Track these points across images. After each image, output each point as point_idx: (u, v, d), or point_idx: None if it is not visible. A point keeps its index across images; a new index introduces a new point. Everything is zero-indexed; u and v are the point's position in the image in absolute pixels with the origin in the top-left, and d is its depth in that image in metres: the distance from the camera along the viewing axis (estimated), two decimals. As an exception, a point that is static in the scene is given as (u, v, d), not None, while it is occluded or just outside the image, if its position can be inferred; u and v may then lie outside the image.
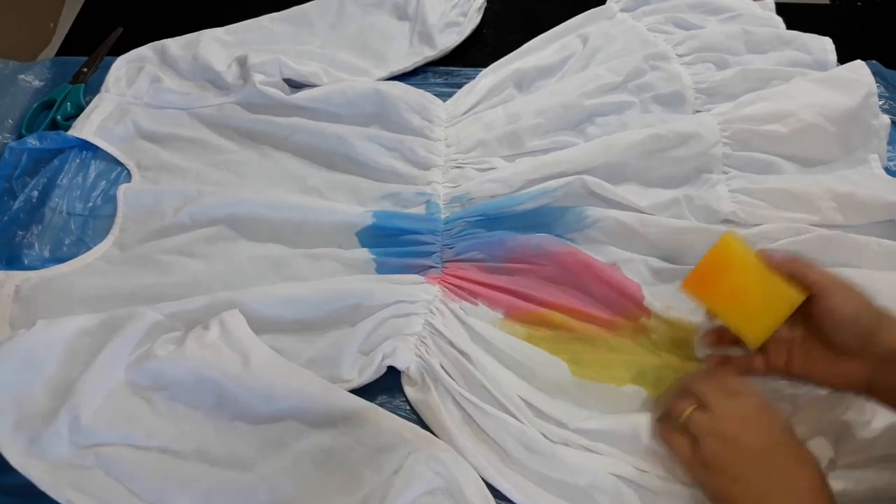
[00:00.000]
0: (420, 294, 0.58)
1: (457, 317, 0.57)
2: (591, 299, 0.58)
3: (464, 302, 0.59)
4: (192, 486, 0.48)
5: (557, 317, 0.57)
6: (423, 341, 0.56)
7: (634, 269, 0.60)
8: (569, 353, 0.56)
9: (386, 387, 0.56)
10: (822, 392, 0.51)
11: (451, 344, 0.55)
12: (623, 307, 0.58)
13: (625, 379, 0.54)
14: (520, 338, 0.57)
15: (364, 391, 0.54)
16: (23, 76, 0.77)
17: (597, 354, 0.56)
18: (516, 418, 0.52)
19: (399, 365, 0.55)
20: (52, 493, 0.47)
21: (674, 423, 0.47)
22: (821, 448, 0.49)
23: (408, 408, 0.55)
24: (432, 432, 0.52)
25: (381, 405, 0.53)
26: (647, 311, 0.57)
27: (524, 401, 0.53)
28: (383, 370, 0.55)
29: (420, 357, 0.55)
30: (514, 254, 0.60)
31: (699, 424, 0.46)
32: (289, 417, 0.51)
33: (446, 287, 0.60)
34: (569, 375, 0.55)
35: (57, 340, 0.52)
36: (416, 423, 0.52)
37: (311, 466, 0.50)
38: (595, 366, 0.55)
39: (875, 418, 0.50)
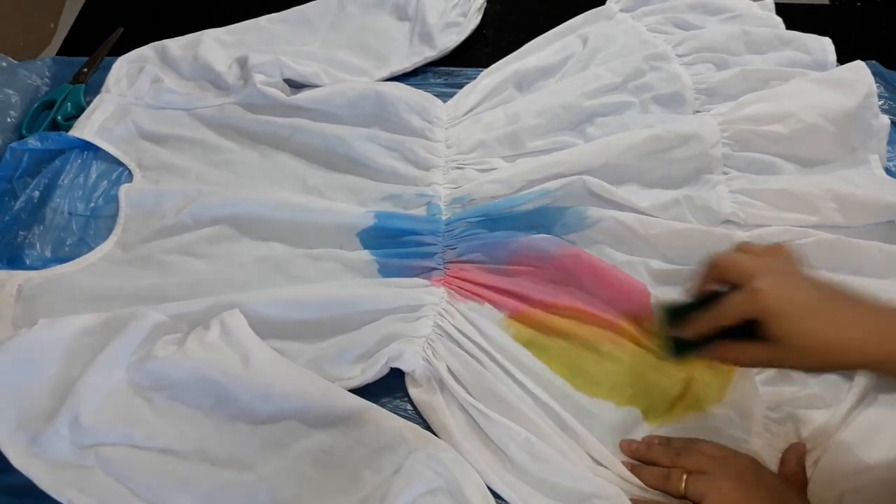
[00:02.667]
0: (426, 298, 0.58)
1: (466, 318, 0.57)
2: (594, 301, 0.58)
3: (471, 302, 0.59)
4: (192, 486, 0.48)
5: (560, 321, 0.57)
6: (430, 344, 0.56)
7: (634, 270, 0.60)
8: (571, 362, 0.56)
9: (387, 387, 0.55)
10: (826, 411, 0.51)
11: (461, 346, 0.55)
12: (628, 308, 0.57)
13: (624, 395, 0.54)
14: (524, 341, 0.56)
15: (365, 391, 0.54)
16: (24, 72, 0.77)
17: (599, 365, 0.56)
18: (527, 418, 0.52)
19: (405, 367, 0.55)
20: (53, 493, 0.47)
21: (673, 490, 0.48)
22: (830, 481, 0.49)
23: (409, 408, 0.55)
24: (435, 434, 0.52)
25: (382, 405, 0.53)
26: (650, 314, 0.57)
27: (535, 400, 0.53)
28: (386, 370, 0.55)
29: (427, 360, 0.55)
30: (517, 256, 0.60)
31: (699, 486, 0.46)
32: (289, 417, 0.51)
33: (451, 289, 0.60)
34: (570, 390, 0.54)
35: (58, 340, 0.52)
36: (418, 424, 0.52)
37: (312, 466, 0.50)
38: (596, 377, 0.55)
39: (877, 438, 0.49)
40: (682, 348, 0.49)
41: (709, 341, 0.47)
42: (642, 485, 0.50)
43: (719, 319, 0.45)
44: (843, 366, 0.45)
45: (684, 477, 0.47)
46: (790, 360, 0.45)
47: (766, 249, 0.49)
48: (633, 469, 0.50)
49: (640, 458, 0.51)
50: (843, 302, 0.44)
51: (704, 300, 0.47)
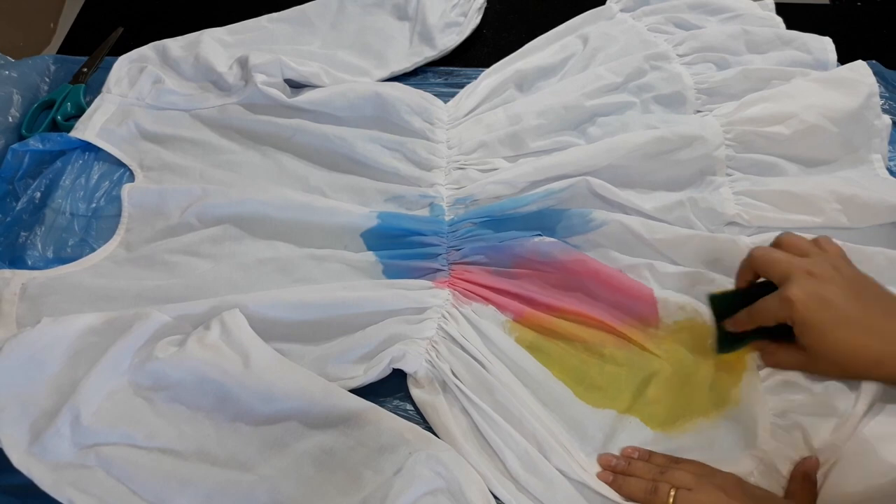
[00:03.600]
0: (430, 300, 0.58)
1: (469, 321, 0.57)
2: (598, 306, 0.58)
3: (475, 304, 0.59)
4: (192, 486, 0.48)
5: (564, 324, 0.57)
6: (434, 346, 0.56)
7: (639, 274, 0.59)
8: (573, 367, 0.56)
9: (388, 387, 0.55)
10: (834, 420, 0.50)
11: (464, 349, 0.55)
12: (633, 312, 0.57)
13: (627, 402, 0.54)
14: (527, 344, 0.56)
15: (366, 390, 0.54)
16: (25, 70, 0.76)
17: (602, 369, 0.55)
18: (527, 428, 0.51)
19: (408, 369, 0.55)
20: (54, 493, 0.47)
21: None
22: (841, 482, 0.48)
23: (410, 409, 0.55)
24: (436, 434, 0.52)
25: (382, 405, 0.53)
26: (656, 319, 0.57)
27: (536, 410, 0.53)
28: (389, 371, 0.55)
29: (430, 362, 0.55)
30: (521, 259, 0.60)
31: (688, 502, 0.46)
32: (290, 418, 0.51)
33: (457, 290, 0.60)
34: (571, 397, 0.54)
35: (62, 338, 0.52)
36: (419, 424, 0.52)
37: (312, 467, 0.50)
38: (599, 382, 0.55)
39: (886, 449, 0.48)
40: (727, 342, 0.50)
41: (755, 336, 0.48)
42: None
43: (754, 320, 0.46)
44: (878, 377, 0.45)
45: (672, 493, 0.46)
46: (818, 367, 0.45)
47: (810, 245, 0.47)
48: (614, 481, 0.49)
49: (621, 472, 0.50)
50: (883, 312, 0.42)
51: (751, 291, 0.47)
